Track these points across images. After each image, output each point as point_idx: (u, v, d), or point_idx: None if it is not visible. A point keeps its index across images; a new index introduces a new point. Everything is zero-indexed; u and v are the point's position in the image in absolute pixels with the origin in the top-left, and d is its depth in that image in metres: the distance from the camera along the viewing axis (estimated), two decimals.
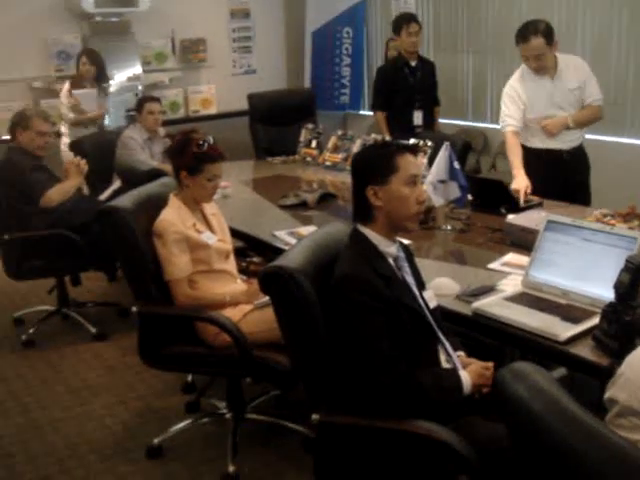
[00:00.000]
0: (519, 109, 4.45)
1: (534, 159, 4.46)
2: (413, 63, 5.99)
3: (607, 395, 1.69)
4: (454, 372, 2.38)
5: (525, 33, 4.27)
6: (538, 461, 1.48)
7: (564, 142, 4.48)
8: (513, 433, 1.57)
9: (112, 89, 7.15)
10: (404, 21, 6.05)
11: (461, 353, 2.54)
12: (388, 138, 5.43)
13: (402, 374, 2.22)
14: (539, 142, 4.53)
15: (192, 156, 3.23)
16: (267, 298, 3.18)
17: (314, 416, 2.31)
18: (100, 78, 6.45)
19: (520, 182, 4.19)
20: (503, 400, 1.54)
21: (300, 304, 2.25)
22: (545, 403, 1.44)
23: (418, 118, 5.94)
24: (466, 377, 2.34)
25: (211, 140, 3.30)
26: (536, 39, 4.23)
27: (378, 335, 2.23)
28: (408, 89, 6.02)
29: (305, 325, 2.29)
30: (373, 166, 2.42)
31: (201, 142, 3.25)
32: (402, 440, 2.22)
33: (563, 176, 4.44)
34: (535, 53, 4.27)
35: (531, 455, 1.51)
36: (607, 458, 1.34)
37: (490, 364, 2.43)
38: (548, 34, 4.26)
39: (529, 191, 4.13)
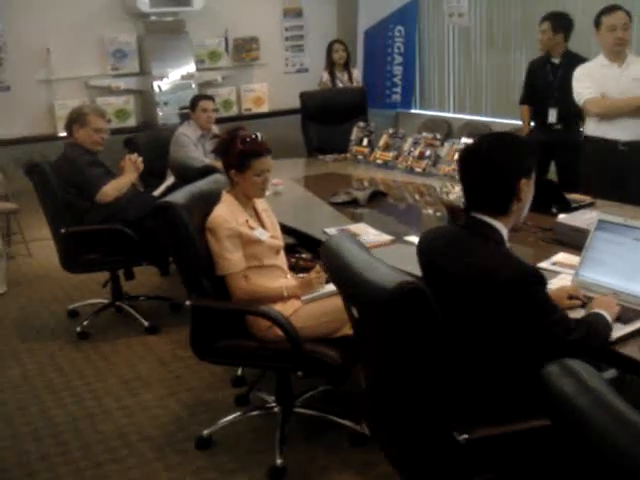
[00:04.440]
0: (593, 82, 4.62)
1: (590, 149, 4.56)
2: (556, 60, 5.69)
3: None
4: (593, 314, 2.45)
5: (611, 6, 4.58)
6: (582, 458, 1.47)
7: (623, 130, 4.53)
8: (557, 429, 1.57)
9: (166, 87, 7.27)
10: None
11: None
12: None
13: (582, 332, 2.30)
14: (596, 128, 4.62)
15: (238, 153, 3.27)
16: (316, 293, 3.27)
17: (462, 436, 2.18)
18: None
19: None
20: (549, 395, 1.54)
21: None
22: (591, 399, 1.43)
23: (552, 116, 5.69)
24: (602, 312, 2.44)
25: (258, 136, 3.34)
26: (622, 12, 4.52)
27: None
28: (546, 86, 5.79)
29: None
30: (526, 159, 2.38)
31: (246, 139, 3.30)
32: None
33: (617, 171, 4.44)
34: (623, 21, 4.49)
35: (575, 452, 1.50)
36: None
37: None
38: (629, 15, 4.54)
39: None
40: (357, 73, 7.56)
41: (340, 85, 7.34)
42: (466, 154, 2.46)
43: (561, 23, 5.50)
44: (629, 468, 1.31)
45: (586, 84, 4.67)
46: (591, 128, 4.71)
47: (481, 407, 2.31)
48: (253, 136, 3.31)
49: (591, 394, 1.44)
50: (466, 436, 2.16)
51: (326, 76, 7.36)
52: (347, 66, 7.44)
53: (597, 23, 4.63)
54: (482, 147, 2.39)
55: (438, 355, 2.10)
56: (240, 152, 3.27)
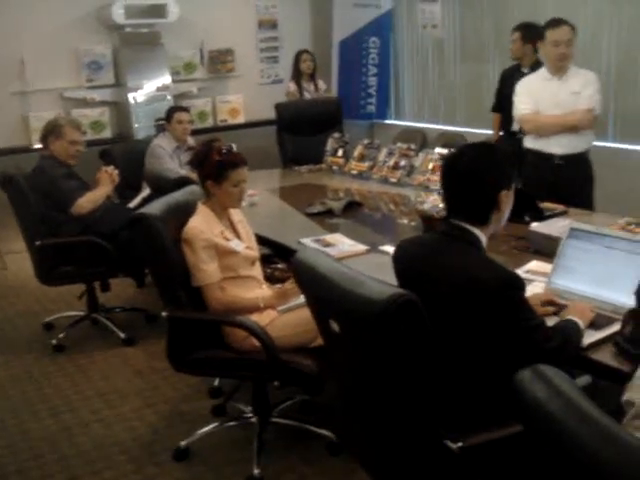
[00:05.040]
0: (531, 97, 4.71)
1: (530, 160, 4.70)
2: (525, 70, 5.70)
3: (624, 398, 1.72)
4: (567, 321, 2.49)
5: (556, 20, 4.61)
6: (554, 462, 1.50)
7: (558, 145, 4.64)
8: (530, 433, 1.59)
9: (142, 99, 7.27)
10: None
11: None
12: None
13: (559, 340, 2.36)
14: (534, 142, 4.74)
15: (215, 164, 3.30)
16: (292, 303, 3.29)
17: (456, 445, 2.18)
18: None
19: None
20: (521, 400, 1.56)
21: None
22: (562, 404, 1.45)
23: (516, 125, 5.84)
24: (575, 319, 2.49)
25: (234, 147, 3.37)
26: (566, 26, 4.55)
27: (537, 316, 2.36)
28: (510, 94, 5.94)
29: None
30: (507, 170, 2.43)
31: (222, 150, 3.32)
32: None
33: (556, 182, 4.57)
34: (567, 37, 4.53)
35: (547, 456, 1.53)
36: (622, 459, 1.32)
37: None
38: (574, 29, 4.58)
39: None
40: (322, 84, 7.62)
41: (307, 95, 7.39)
42: (448, 163, 2.50)
43: (531, 34, 5.55)
44: (600, 470, 1.33)
45: (524, 99, 4.76)
46: (529, 142, 4.81)
47: (471, 414, 2.33)
48: (229, 147, 3.34)
49: (562, 398, 1.47)
50: (460, 444, 2.18)
51: (293, 86, 7.41)
52: (314, 76, 7.51)
53: (542, 36, 4.71)
54: (464, 157, 2.44)
55: (430, 364, 2.11)
56: (217, 163, 3.29)
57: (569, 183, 4.57)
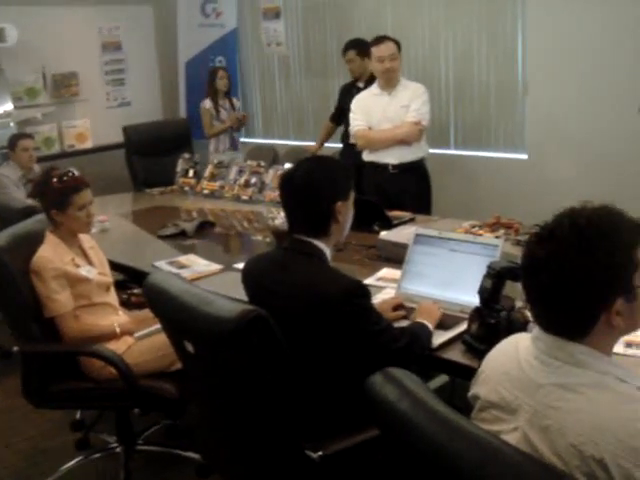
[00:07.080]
0: (363, 114, 4.93)
1: (368, 171, 4.94)
2: (361, 84, 5.81)
3: (471, 392, 1.81)
4: (415, 324, 2.60)
5: (379, 37, 4.86)
6: (409, 460, 1.55)
7: (391, 156, 4.88)
8: (385, 435, 1.65)
9: None
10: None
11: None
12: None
13: (406, 340, 2.45)
14: (369, 154, 4.99)
15: (56, 192, 3.24)
16: (149, 329, 3.26)
17: (317, 453, 2.24)
18: None
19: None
20: (374, 403, 1.61)
21: None
22: (411, 403, 1.51)
23: (353, 139, 5.93)
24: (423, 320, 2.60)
25: (73, 171, 3.32)
26: (389, 42, 4.78)
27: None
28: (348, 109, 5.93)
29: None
30: (342, 182, 2.49)
31: (62, 177, 3.26)
32: None
33: (392, 190, 4.81)
34: (390, 52, 4.74)
35: (402, 455, 1.58)
36: (469, 450, 1.38)
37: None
38: (398, 44, 4.82)
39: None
40: (236, 101, 7.51)
41: (223, 112, 7.28)
42: (284, 179, 2.55)
43: (366, 49, 5.71)
44: (450, 463, 1.39)
45: (357, 116, 4.98)
46: (366, 155, 5.04)
47: (330, 422, 2.38)
48: (68, 172, 3.29)
49: (411, 398, 1.53)
50: (320, 453, 2.22)
51: (209, 103, 7.21)
52: (229, 94, 7.42)
53: (369, 53, 4.96)
54: (298, 172, 2.50)
55: (285, 377, 2.15)
56: (58, 190, 3.23)
57: (404, 190, 4.79)
